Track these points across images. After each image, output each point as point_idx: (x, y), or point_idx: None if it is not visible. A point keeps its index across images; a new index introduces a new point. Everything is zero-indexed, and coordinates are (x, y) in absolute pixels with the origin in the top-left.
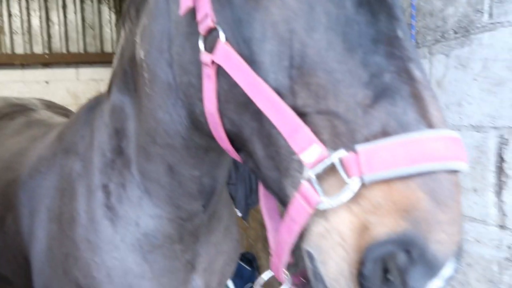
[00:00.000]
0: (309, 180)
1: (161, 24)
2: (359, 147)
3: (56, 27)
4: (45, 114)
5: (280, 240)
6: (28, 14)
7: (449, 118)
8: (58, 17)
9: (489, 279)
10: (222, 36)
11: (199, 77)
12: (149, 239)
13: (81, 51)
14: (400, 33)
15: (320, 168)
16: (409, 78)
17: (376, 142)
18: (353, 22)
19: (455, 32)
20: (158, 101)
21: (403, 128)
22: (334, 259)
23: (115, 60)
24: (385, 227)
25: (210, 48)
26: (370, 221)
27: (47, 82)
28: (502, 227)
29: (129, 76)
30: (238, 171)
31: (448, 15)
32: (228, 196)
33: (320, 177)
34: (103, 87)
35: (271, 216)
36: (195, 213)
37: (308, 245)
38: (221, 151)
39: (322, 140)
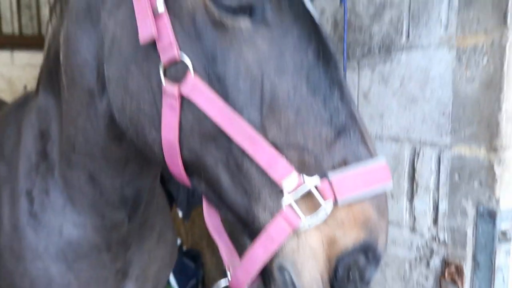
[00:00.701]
0: (289, 204)
1: (86, 34)
2: (331, 176)
3: None
4: None
5: (253, 257)
6: None
7: (373, 129)
8: None
9: (401, 277)
10: (191, 68)
11: (154, 105)
12: (73, 248)
13: (16, 32)
14: (343, 79)
15: (298, 193)
16: (354, 118)
17: (341, 171)
18: (314, 69)
19: (379, 49)
20: (77, 108)
21: (357, 159)
22: (308, 269)
23: (43, 55)
24: (350, 238)
25: (174, 79)
26: (337, 235)
27: None
28: (412, 230)
29: (54, 75)
30: None
31: (374, 32)
32: (164, 203)
33: (296, 201)
34: None
35: (220, 234)
36: (120, 222)
37: (283, 260)
38: (142, 163)
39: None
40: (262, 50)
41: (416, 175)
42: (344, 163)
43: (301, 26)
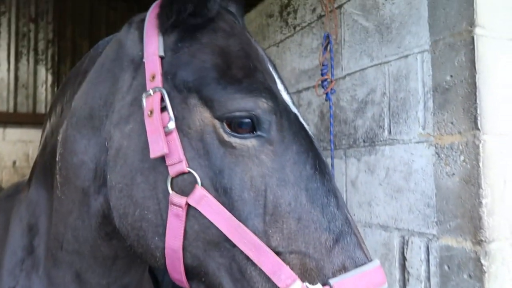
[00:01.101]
0: None
1: (86, 138)
2: (333, 282)
3: None
4: None
5: None
6: None
7: (362, 216)
8: None
9: None
10: (199, 181)
11: (159, 213)
12: None
13: (11, 110)
14: (337, 188)
15: None
16: (349, 224)
17: (341, 277)
18: (312, 180)
19: (364, 141)
20: (69, 206)
21: (356, 263)
22: None
23: (39, 149)
24: None
25: (181, 190)
26: None
27: None
28: None
29: (48, 171)
30: None
31: (358, 126)
32: None
33: None
34: (31, 149)
35: None
36: None
37: None
38: (131, 260)
39: (296, 275)
40: (266, 165)
41: (406, 263)
42: (344, 268)
43: (299, 142)
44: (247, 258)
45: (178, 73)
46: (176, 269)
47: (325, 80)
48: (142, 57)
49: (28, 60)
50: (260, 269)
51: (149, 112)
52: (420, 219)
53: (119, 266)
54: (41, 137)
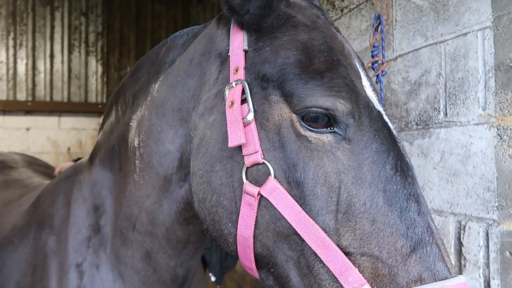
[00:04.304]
0: None
1: (173, 128)
2: None
3: (42, 75)
4: (24, 173)
5: None
6: (15, 62)
7: None
8: (45, 66)
9: None
10: (272, 172)
11: (234, 201)
12: None
13: (65, 100)
14: (420, 192)
15: None
16: (431, 232)
17: None
18: (391, 182)
19: (417, 124)
20: (147, 190)
21: (435, 277)
22: None
23: (101, 134)
24: None
25: (254, 180)
26: None
27: (27, 129)
28: None
29: (116, 154)
30: None
31: (411, 108)
32: (201, 273)
33: None
34: (84, 136)
35: None
36: None
37: None
38: (198, 245)
39: (366, 279)
40: (341, 162)
41: (463, 249)
42: (420, 280)
43: (380, 141)
44: (315, 254)
45: (261, 70)
46: (246, 257)
47: (376, 62)
48: (228, 51)
49: (79, 52)
50: (328, 268)
51: (230, 103)
52: (479, 203)
53: (189, 251)
54: (104, 122)
